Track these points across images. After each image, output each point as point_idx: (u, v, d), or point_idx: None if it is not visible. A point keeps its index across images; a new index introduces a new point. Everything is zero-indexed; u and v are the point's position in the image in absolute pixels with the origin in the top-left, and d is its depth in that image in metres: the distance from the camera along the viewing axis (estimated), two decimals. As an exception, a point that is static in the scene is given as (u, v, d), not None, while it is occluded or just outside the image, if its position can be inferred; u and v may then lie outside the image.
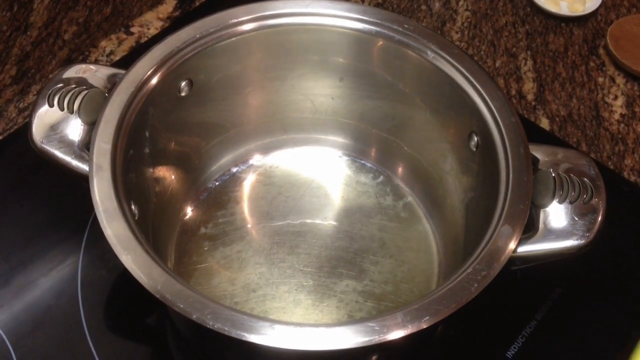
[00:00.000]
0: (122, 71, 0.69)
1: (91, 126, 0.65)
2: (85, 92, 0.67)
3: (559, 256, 0.63)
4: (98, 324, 0.75)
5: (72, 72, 0.69)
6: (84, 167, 0.64)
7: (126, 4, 0.98)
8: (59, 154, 0.65)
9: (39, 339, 0.74)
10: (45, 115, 0.66)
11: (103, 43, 0.98)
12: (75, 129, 0.66)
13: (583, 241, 0.62)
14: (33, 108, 0.66)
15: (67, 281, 0.78)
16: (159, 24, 1.02)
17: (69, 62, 0.95)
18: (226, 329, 0.53)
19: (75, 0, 0.90)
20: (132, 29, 1.00)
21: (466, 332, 0.75)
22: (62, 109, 0.66)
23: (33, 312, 0.75)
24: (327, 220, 0.82)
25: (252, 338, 0.53)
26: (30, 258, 0.79)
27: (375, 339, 0.54)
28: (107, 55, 0.97)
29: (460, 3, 1.09)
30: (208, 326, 0.54)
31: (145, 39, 0.99)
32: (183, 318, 0.55)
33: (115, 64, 0.96)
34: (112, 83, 0.68)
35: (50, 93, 0.66)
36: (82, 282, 0.77)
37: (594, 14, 1.08)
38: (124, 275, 0.57)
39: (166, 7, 1.04)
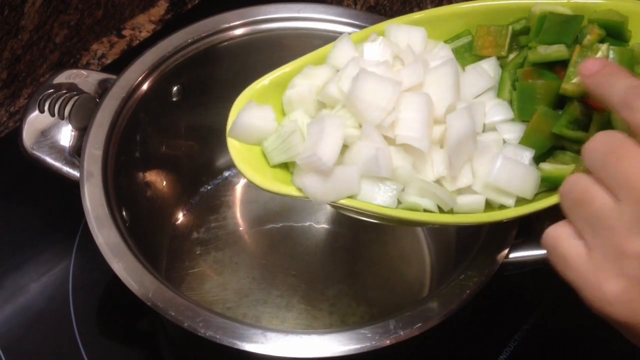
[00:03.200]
0: (114, 76, 0.69)
1: (82, 132, 0.65)
2: (76, 97, 0.66)
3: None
4: (89, 328, 0.74)
5: (63, 77, 0.68)
6: (75, 173, 0.64)
7: (118, 7, 0.98)
8: (49, 160, 0.65)
9: (30, 344, 0.73)
10: (35, 121, 0.66)
11: (95, 46, 0.98)
12: (66, 135, 0.66)
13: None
14: (23, 114, 0.66)
15: (59, 285, 0.77)
16: (151, 26, 1.01)
17: (60, 65, 0.95)
18: (218, 337, 0.53)
19: (66, 3, 0.89)
20: (124, 32, 1.00)
21: (458, 336, 0.75)
22: (52, 114, 0.66)
23: (24, 317, 0.75)
24: (319, 224, 0.82)
25: (244, 346, 0.53)
26: (22, 262, 0.79)
27: (367, 346, 0.54)
28: (99, 59, 0.97)
29: (453, 6, 1.09)
30: (199, 334, 0.54)
31: (137, 42, 0.99)
32: (175, 324, 0.55)
33: (106, 67, 0.96)
34: (103, 88, 0.68)
35: (41, 99, 0.66)
36: (74, 286, 0.77)
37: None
38: (116, 279, 0.58)
39: (158, 9, 1.04)
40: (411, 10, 1.07)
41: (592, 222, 0.39)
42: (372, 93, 0.50)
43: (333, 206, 0.53)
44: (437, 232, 0.79)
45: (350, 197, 0.52)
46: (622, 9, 0.54)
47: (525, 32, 0.57)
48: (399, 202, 0.52)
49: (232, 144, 0.55)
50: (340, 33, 0.74)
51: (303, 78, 0.57)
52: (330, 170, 0.50)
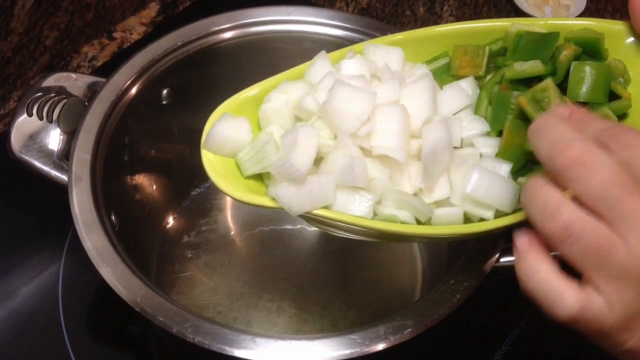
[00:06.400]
0: (103, 79, 0.69)
1: (71, 136, 0.65)
2: (65, 101, 0.66)
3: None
4: (79, 331, 0.74)
5: (52, 80, 0.68)
6: (63, 177, 0.64)
7: (109, 9, 0.97)
8: (38, 164, 0.64)
9: (20, 347, 0.73)
10: (24, 125, 0.65)
11: (85, 48, 0.97)
12: (54, 139, 0.65)
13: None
14: (12, 117, 0.66)
15: (49, 289, 0.77)
16: (142, 29, 1.01)
17: (51, 68, 0.94)
18: (207, 342, 0.53)
19: (56, 5, 0.89)
20: (115, 34, 0.99)
21: (450, 340, 0.75)
22: (41, 118, 0.65)
23: (14, 320, 0.75)
24: (311, 227, 0.82)
25: (233, 352, 0.53)
26: (12, 266, 0.78)
27: (357, 351, 0.53)
28: (89, 61, 0.96)
29: (445, 8, 1.09)
30: (188, 340, 0.53)
31: (128, 44, 0.99)
32: (164, 329, 0.54)
33: (97, 70, 0.95)
34: (93, 92, 0.68)
35: (29, 102, 0.65)
36: (64, 289, 0.77)
37: (577, 19, 1.08)
38: (106, 282, 0.57)
39: (149, 12, 1.03)
40: (403, 13, 1.07)
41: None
42: (346, 102, 0.49)
43: (309, 220, 0.52)
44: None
45: (326, 207, 0.51)
46: (597, 28, 0.54)
47: (502, 53, 0.57)
48: (375, 215, 0.51)
49: (206, 156, 0.54)
50: (332, 36, 0.75)
51: (279, 92, 0.56)
52: (305, 179, 0.49)
